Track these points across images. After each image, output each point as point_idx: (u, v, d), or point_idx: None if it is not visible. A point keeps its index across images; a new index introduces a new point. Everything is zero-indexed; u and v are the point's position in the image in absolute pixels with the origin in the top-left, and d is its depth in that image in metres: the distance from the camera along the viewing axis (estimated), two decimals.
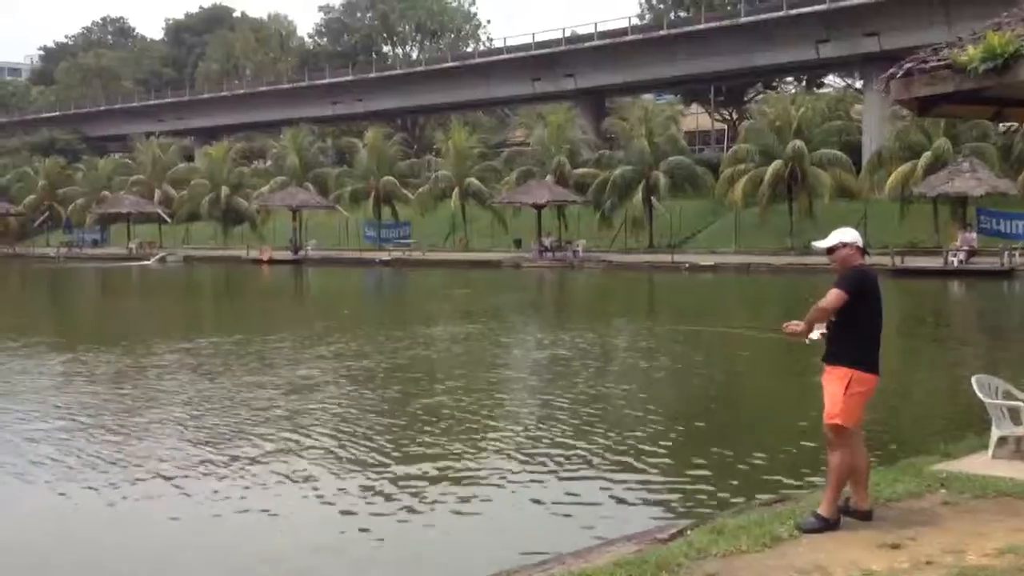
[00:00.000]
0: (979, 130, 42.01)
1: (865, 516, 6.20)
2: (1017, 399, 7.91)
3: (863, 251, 6.35)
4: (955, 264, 34.54)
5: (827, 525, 6.01)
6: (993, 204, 38.31)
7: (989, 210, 38.10)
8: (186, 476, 9.17)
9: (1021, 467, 7.36)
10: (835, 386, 6.11)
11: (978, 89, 8.08)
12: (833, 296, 6.10)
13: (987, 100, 9.27)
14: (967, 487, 6.87)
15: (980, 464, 7.52)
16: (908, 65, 8.13)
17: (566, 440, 10.42)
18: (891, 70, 8.34)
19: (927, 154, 41.72)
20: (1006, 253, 34.34)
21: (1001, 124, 39.49)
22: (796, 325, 6.34)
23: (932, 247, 39.00)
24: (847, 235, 6.34)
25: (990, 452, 7.71)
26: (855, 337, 6.15)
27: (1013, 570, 5.27)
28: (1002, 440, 7.74)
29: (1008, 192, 36.90)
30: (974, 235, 35.99)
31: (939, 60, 7.92)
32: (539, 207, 48.39)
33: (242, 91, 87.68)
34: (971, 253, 34.95)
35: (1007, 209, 38.47)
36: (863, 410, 6.24)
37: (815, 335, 6.30)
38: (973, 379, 7.92)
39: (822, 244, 6.41)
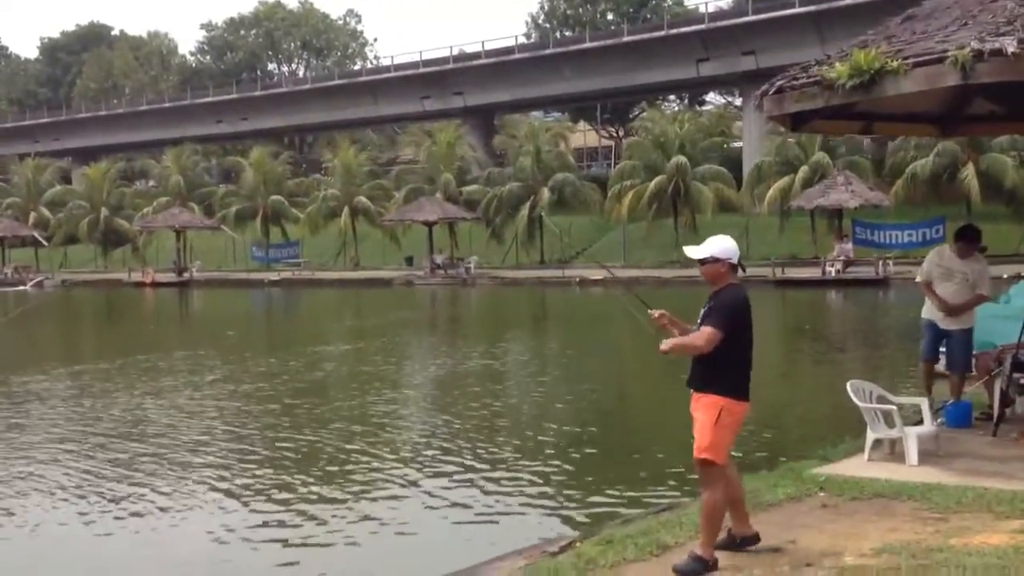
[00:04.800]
0: (853, 144, 43.64)
1: (754, 540, 5.86)
2: (890, 403, 8.18)
3: (737, 267, 5.71)
4: (832, 274, 35.76)
5: (706, 567, 5.52)
6: (867, 216, 39.80)
7: (864, 221, 39.57)
8: (66, 513, 8.83)
9: (895, 468, 7.61)
10: (705, 416, 5.59)
11: (847, 104, 8.37)
12: (707, 337, 5.51)
13: (856, 115, 9.62)
14: (845, 489, 7.05)
15: (857, 466, 7.74)
16: (779, 82, 8.37)
17: (457, 455, 10.38)
18: (764, 87, 8.59)
19: (804, 168, 43.16)
20: (880, 263, 35.69)
21: (871, 137, 41.12)
22: (667, 322, 5.78)
23: (811, 258, 40.27)
24: (721, 248, 5.68)
25: (866, 455, 7.95)
26: (727, 363, 5.59)
27: (889, 569, 5.42)
28: (877, 443, 7.99)
29: (881, 204, 38.40)
30: (850, 246, 37.32)
31: (809, 77, 8.18)
32: (430, 224, 48.33)
33: (121, 110, 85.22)
34: (847, 263, 36.23)
35: (881, 220, 40.04)
36: (733, 440, 5.77)
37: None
38: (848, 384, 8.15)
39: (694, 254, 5.77)
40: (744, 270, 5.83)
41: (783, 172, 44.57)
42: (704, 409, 5.61)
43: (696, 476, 5.87)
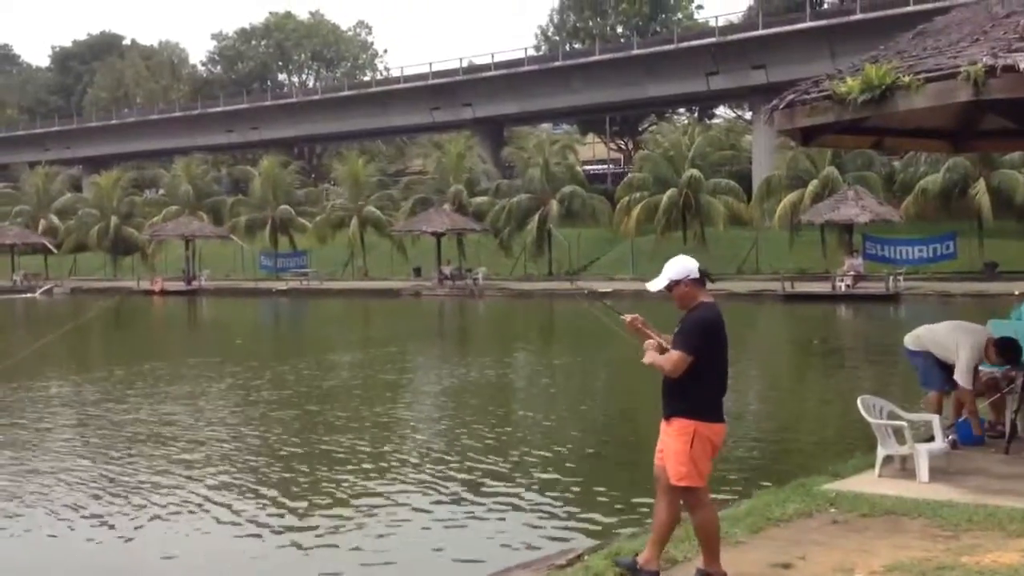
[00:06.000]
0: (864, 158, 43.55)
1: None
2: (901, 419, 8.13)
3: (702, 280, 5.55)
4: (843, 289, 35.62)
5: None
6: (878, 231, 39.67)
7: (874, 236, 39.45)
8: (73, 517, 8.86)
9: (906, 485, 7.57)
10: (678, 442, 5.43)
11: (858, 119, 8.35)
12: (674, 363, 5.38)
13: (867, 130, 9.60)
14: (855, 505, 7.02)
15: (867, 483, 7.70)
16: (790, 97, 8.36)
17: (467, 465, 10.36)
18: (774, 101, 8.57)
19: (814, 182, 43.05)
20: (891, 278, 35.54)
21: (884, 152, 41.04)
22: (640, 325, 5.66)
23: (821, 273, 40.15)
24: (676, 270, 5.53)
25: (876, 471, 7.91)
26: (697, 386, 5.42)
27: None
28: (887, 459, 7.94)
29: (891, 219, 38.25)
30: (860, 261, 37.18)
31: (820, 92, 8.17)
32: (439, 235, 48.36)
33: (132, 119, 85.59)
34: (858, 278, 36.06)
35: (891, 235, 39.92)
36: (711, 462, 5.59)
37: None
38: (859, 400, 8.11)
39: (654, 287, 5.63)
40: (712, 280, 5.64)
41: (793, 186, 44.46)
42: (676, 435, 5.46)
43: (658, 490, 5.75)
